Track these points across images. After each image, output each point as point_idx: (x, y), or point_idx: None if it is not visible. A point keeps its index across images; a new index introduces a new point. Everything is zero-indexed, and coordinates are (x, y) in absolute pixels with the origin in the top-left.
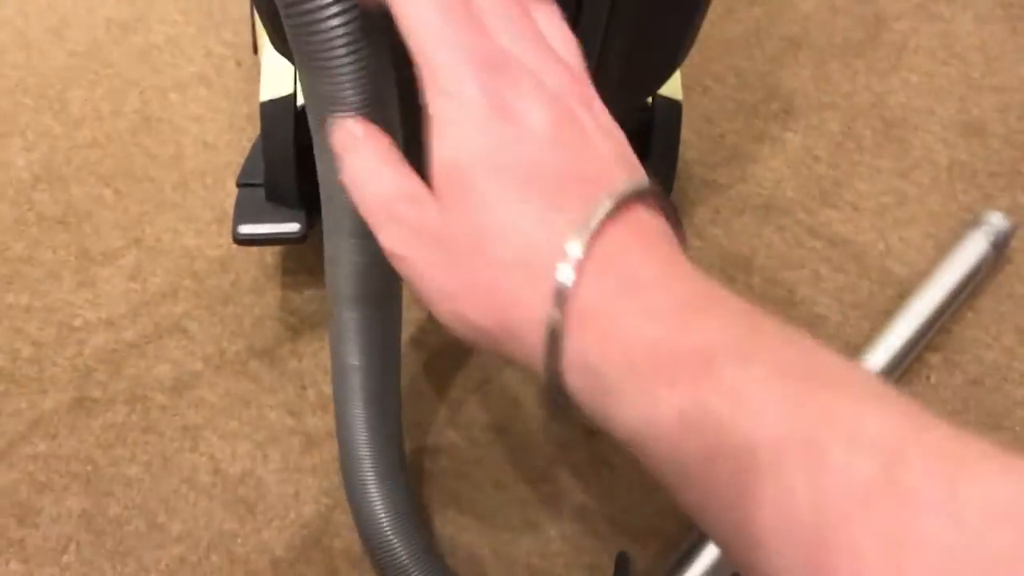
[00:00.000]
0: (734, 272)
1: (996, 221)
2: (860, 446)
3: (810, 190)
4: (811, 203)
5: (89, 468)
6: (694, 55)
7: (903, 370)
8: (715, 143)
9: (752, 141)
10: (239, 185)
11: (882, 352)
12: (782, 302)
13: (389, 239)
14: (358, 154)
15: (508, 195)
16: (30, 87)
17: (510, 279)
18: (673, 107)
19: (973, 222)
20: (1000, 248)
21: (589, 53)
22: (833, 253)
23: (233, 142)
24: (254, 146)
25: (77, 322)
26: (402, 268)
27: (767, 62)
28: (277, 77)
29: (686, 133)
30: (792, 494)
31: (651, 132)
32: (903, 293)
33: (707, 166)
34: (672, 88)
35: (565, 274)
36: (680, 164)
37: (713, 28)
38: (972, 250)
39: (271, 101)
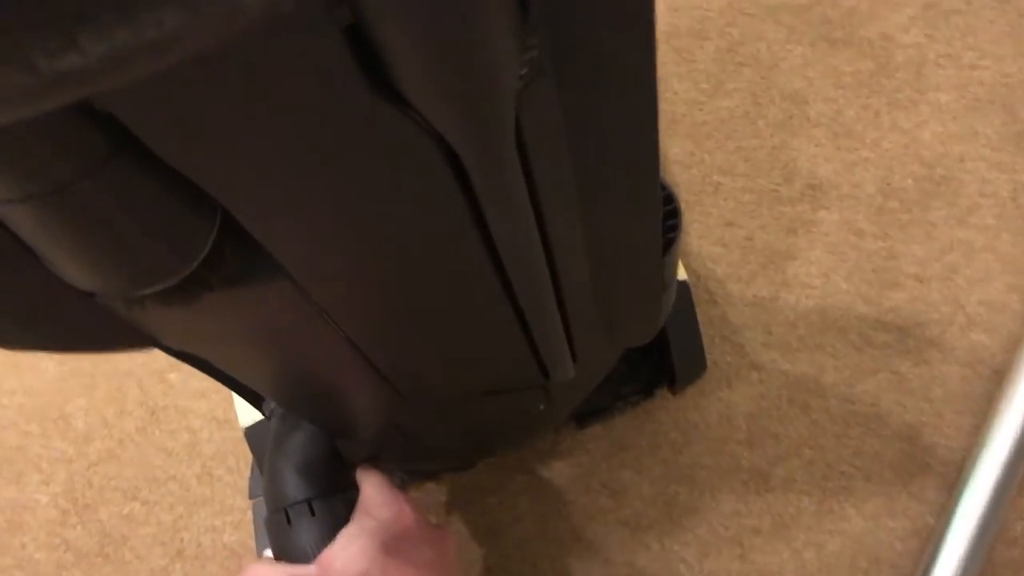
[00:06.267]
0: (807, 399)
1: None
2: None
3: (864, 273)
4: (868, 289)
5: None
6: (693, 151)
7: None
8: (744, 249)
9: (784, 234)
10: (253, 499)
11: (989, 461)
12: (869, 421)
13: None
14: None
15: None
16: (30, 410)
17: None
18: (681, 289)
19: None
20: None
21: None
22: (909, 343)
23: None
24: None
25: None
26: None
27: (775, 131)
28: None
29: (710, 247)
30: None
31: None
32: (999, 370)
33: (743, 280)
34: None
35: None
36: (714, 284)
37: (703, 110)
38: None
39: (253, 427)
